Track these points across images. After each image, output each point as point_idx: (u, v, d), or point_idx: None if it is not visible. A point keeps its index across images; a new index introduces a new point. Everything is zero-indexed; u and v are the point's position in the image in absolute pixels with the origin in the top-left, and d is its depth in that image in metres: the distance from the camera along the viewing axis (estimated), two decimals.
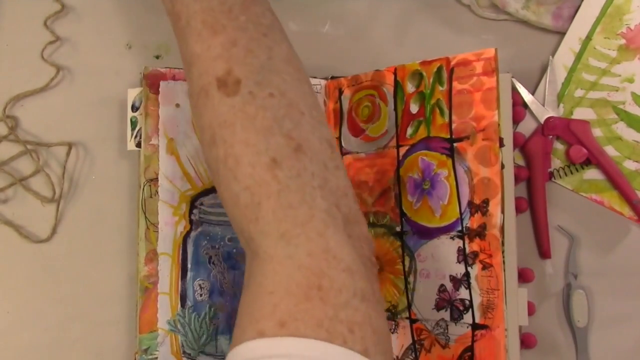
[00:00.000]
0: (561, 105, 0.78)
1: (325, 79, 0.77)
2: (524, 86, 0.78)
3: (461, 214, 0.68)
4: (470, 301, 0.67)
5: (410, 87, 0.72)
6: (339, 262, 0.50)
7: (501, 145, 0.67)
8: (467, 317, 0.67)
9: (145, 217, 0.72)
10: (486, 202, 0.67)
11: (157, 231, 0.72)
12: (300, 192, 0.52)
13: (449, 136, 0.69)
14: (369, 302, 0.50)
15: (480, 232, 0.67)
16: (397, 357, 0.71)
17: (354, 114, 0.76)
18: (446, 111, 0.70)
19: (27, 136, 0.78)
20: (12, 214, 0.77)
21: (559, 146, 0.77)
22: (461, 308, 0.67)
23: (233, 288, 0.73)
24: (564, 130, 0.76)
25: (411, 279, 0.71)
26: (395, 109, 0.73)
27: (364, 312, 0.49)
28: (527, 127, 0.78)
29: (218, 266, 0.73)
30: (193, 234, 0.73)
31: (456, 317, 0.68)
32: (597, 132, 0.77)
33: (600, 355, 0.75)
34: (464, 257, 0.68)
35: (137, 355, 0.71)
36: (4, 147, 0.78)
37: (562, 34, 0.79)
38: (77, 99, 0.79)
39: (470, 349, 0.66)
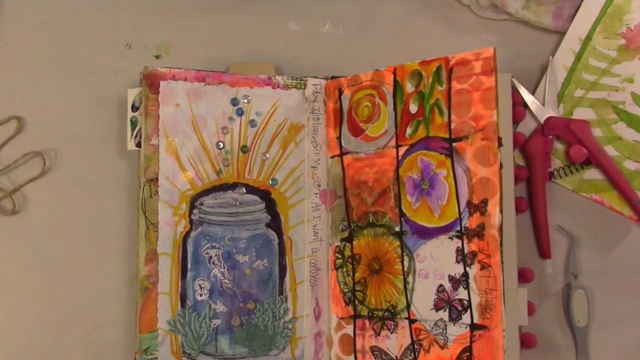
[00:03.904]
0: (561, 105, 0.77)
1: (325, 79, 0.77)
2: (524, 86, 0.77)
3: (460, 213, 0.68)
4: (469, 301, 0.67)
5: (409, 87, 0.72)
6: None
7: (500, 145, 0.67)
8: (466, 318, 0.67)
9: (145, 217, 0.72)
10: (485, 202, 0.67)
11: (157, 231, 0.72)
12: None
13: (448, 136, 0.69)
14: None
15: (478, 232, 0.67)
16: (397, 357, 0.71)
17: (353, 114, 0.76)
18: (445, 111, 0.70)
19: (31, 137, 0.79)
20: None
21: (559, 146, 0.77)
22: (460, 308, 0.67)
23: (233, 288, 0.73)
24: (564, 130, 0.76)
25: (410, 278, 0.71)
26: (395, 108, 0.73)
27: None
28: (527, 127, 0.78)
29: (218, 266, 0.73)
30: (193, 233, 0.73)
31: (455, 318, 0.68)
32: (597, 132, 0.76)
33: (600, 355, 0.75)
34: (463, 257, 0.68)
35: (137, 355, 0.71)
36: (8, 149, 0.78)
37: (562, 34, 0.79)
38: (77, 99, 0.79)
39: (468, 349, 0.66)
